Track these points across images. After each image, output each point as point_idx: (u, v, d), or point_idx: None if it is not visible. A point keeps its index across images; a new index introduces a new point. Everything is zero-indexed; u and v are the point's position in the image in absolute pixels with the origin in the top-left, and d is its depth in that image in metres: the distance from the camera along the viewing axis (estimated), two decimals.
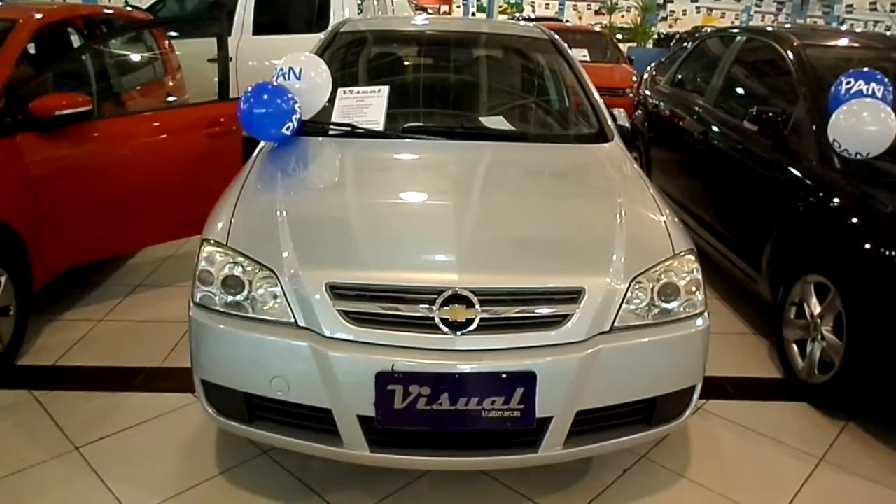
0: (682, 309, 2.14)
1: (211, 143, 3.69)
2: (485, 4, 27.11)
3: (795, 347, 3.08)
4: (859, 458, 2.61)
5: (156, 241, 3.85)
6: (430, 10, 24.88)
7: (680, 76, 5.17)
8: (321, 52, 3.30)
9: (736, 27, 4.83)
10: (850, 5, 28.68)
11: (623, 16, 24.19)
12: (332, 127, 2.92)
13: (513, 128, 3.17)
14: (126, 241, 3.68)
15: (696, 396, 2.21)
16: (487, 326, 1.94)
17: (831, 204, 2.96)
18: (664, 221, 2.36)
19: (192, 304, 2.12)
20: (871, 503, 2.41)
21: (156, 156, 3.57)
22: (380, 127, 2.89)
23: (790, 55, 3.64)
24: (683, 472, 2.47)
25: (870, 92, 2.95)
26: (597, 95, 3.26)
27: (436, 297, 1.93)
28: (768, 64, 3.95)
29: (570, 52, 3.58)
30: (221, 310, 2.07)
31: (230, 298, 2.07)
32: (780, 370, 3.19)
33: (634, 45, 17.75)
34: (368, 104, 2.98)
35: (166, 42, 4.86)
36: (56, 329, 3.31)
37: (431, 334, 1.93)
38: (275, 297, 2.02)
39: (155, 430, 2.59)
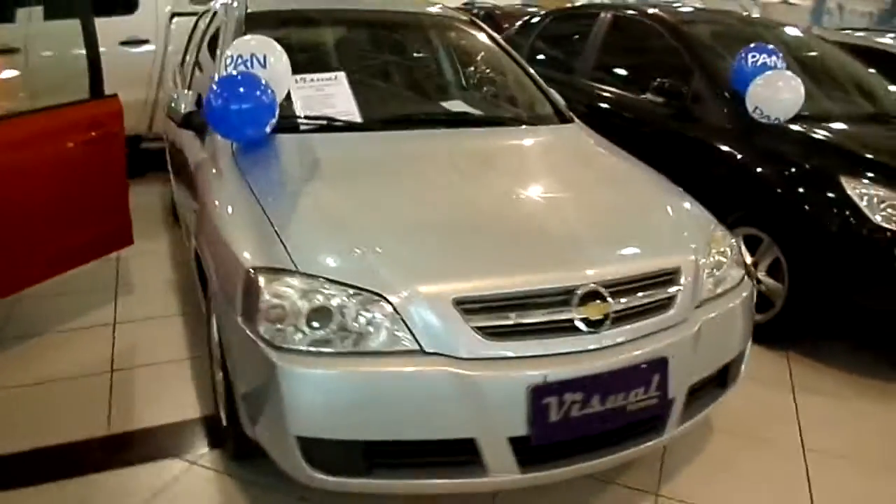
0: (734, 275, 2.25)
1: (86, 153, 3.00)
2: None
3: None
4: (819, 380, 3.01)
5: (28, 285, 3.00)
6: None
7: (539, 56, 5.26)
8: (234, 38, 2.83)
9: (594, 4, 5.12)
10: None
11: None
12: (306, 121, 2.54)
13: (501, 113, 3.08)
14: None
15: (748, 355, 2.36)
16: (618, 318, 1.87)
17: (757, 164, 3.30)
18: (687, 196, 2.47)
19: (265, 349, 1.73)
20: (855, 417, 2.78)
21: (15, 175, 2.76)
22: (357, 118, 2.59)
23: (671, 32, 3.98)
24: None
25: (772, 64, 3.35)
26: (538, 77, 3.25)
27: (570, 296, 1.81)
28: (643, 40, 4.27)
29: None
30: (309, 349, 1.72)
31: (320, 334, 1.72)
32: None
33: None
34: (330, 93, 2.65)
35: None
36: None
37: (573, 336, 1.80)
38: (383, 323, 1.73)
39: None
